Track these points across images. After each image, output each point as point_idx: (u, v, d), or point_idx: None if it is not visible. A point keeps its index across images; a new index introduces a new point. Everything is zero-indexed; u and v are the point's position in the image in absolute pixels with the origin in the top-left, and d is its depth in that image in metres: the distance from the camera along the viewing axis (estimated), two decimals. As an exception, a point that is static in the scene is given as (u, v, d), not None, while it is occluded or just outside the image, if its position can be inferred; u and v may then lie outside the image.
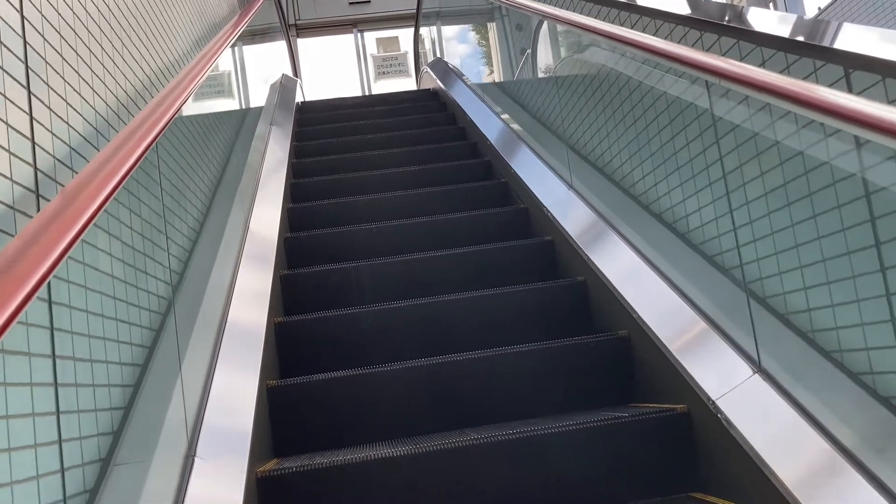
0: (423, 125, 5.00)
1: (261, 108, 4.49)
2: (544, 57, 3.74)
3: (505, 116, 4.13)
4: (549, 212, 2.88)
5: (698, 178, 1.95)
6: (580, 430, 1.79)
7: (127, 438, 1.44)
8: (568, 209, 2.78)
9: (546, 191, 3.01)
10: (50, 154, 1.42)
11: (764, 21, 1.75)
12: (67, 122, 1.57)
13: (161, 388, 1.65)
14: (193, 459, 1.51)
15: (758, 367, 1.57)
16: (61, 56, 1.61)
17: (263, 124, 4.26)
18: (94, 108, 1.78)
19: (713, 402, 1.53)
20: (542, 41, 3.71)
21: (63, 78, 1.59)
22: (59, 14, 1.65)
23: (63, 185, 1.42)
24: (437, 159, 4.19)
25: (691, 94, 2.00)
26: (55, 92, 1.52)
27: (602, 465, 1.80)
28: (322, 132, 5.07)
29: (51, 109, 1.49)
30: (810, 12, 9.48)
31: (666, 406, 1.86)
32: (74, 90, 1.66)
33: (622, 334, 2.19)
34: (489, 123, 4.20)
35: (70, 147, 1.53)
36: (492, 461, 1.78)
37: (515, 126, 3.87)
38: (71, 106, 1.62)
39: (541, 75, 3.82)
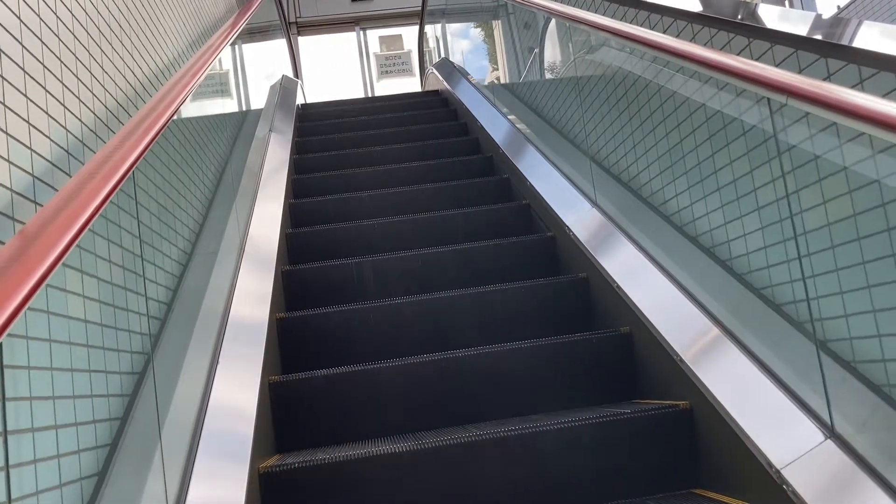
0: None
1: (260, 109, 4.36)
2: (580, 62, 3.57)
3: (520, 125, 3.95)
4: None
5: (744, 201, 1.78)
6: (582, 425, 1.79)
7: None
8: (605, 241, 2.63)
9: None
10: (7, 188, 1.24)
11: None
12: (49, 137, 1.41)
13: (143, 449, 1.47)
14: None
15: (830, 431, 1.39)
16: (42, 63, 1.46)
17: (263, 127, 4.16)
18: (80, 119, 1.62)
19: (776, 469, 1.36)
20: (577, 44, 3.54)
21: (44, 87, 1.44)
22: (40, 17, 1.49)
23: (23, 223, 1.23)
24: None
25: (710, 97, 1.84)
26: (34, 103, 1.37)
27: (604, 461, 1.80)
28: (324, 128, 4.96)
29: (29, 123, 1.34)
30: (824, 11, 9.32)
31: (668, 402, 1.85)
32: (57, 99, 1.50)
33: (624, 331, 2.17)
34: (499, 127, 4.03)
35: (33, 175, 1.33)
36: (494, 457, 1.77)
37: (535, 140, 3.68)
38: (52, 118, 1.46)
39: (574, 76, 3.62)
